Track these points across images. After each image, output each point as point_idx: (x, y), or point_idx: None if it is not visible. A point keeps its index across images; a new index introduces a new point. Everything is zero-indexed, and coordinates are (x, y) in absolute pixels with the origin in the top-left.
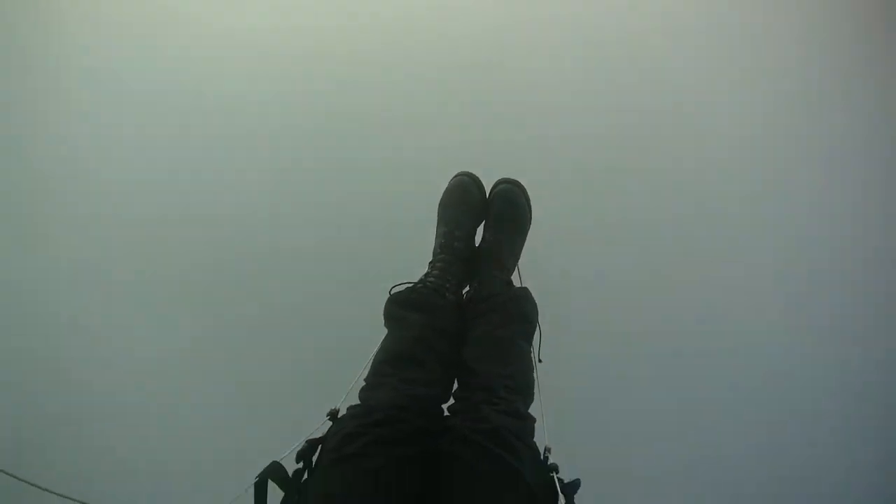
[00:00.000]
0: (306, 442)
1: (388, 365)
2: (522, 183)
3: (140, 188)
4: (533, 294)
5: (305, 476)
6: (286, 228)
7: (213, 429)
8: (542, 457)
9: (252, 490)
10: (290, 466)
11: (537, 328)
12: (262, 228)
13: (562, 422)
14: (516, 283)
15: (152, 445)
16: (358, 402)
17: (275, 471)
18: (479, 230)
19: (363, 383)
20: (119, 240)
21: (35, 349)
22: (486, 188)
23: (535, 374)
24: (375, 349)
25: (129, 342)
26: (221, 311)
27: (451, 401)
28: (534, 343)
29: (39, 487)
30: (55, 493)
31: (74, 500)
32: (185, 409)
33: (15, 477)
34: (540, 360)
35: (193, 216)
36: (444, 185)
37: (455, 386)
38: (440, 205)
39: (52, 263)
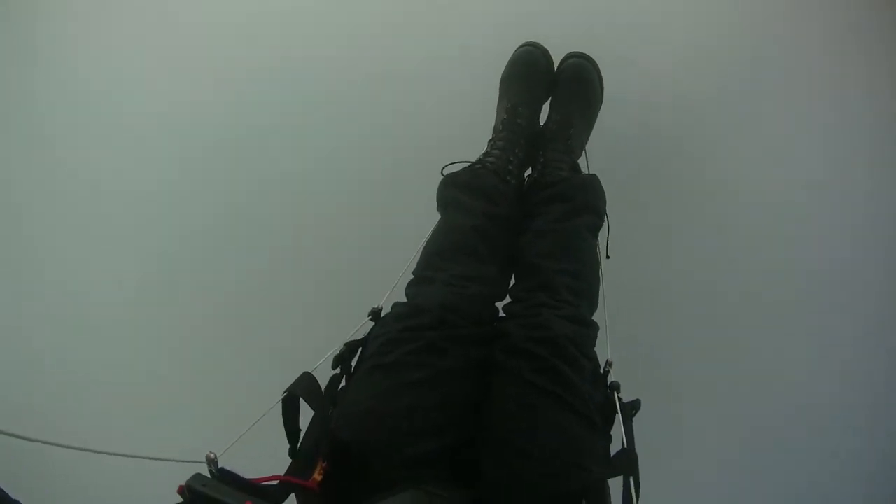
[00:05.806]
0: (344, 345)
1: (439, 257)
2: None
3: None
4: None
5: (343, 384)
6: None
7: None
8: (601, 370)
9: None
10: (326, 376)
11: (605, 221)
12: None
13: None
14: (583, 170)
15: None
16: (404, 299)
17: (305, 385)
18: (545, 108)
19: (411, 276)
20: None
21: None
22: (554, 62)
23: (601, 274)
24: (426, 237)
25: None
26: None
27: (507, 299)
28: (599, 238)
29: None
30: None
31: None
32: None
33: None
34: (608, 257)
35: None
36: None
37: (512, 282)
38: (503, 78)
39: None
